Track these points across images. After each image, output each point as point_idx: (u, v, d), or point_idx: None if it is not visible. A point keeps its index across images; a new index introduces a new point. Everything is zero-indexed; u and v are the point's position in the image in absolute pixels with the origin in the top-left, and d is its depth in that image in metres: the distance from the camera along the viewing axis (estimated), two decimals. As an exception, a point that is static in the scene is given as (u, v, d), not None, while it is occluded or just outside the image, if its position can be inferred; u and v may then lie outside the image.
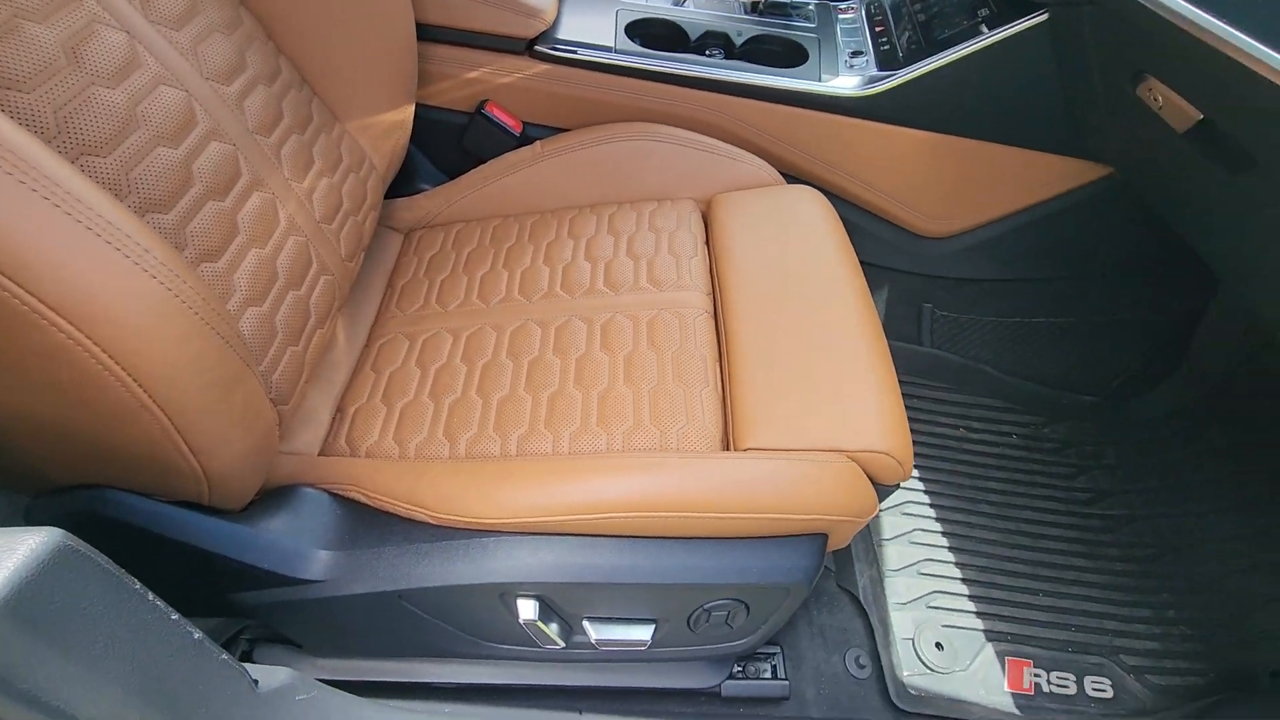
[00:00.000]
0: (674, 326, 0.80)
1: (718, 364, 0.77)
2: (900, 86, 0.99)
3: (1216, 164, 0.72)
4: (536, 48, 1.01)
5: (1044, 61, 0.94)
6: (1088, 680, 0.89)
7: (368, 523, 0.65)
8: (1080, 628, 0.94)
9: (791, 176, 1.05)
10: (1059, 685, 0.88)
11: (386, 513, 0.65)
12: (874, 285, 1.18)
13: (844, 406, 0.68)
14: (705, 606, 0.65)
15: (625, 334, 0.80)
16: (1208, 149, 0.72)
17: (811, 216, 0.90)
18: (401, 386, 0.79)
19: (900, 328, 1.21)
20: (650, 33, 1.10)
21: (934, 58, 0.98)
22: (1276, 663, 0.90)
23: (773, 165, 1.00)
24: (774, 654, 0.85)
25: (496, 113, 1.04)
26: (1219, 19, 0.59)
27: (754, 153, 1.01)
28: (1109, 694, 0.89)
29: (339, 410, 0.79)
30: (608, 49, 1.03)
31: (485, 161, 1.04)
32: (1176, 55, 0.70)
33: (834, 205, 0.95)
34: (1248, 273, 0.78)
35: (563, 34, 1.04)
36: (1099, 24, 0.82)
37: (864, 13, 1.16)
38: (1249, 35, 0.57)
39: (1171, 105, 0.74)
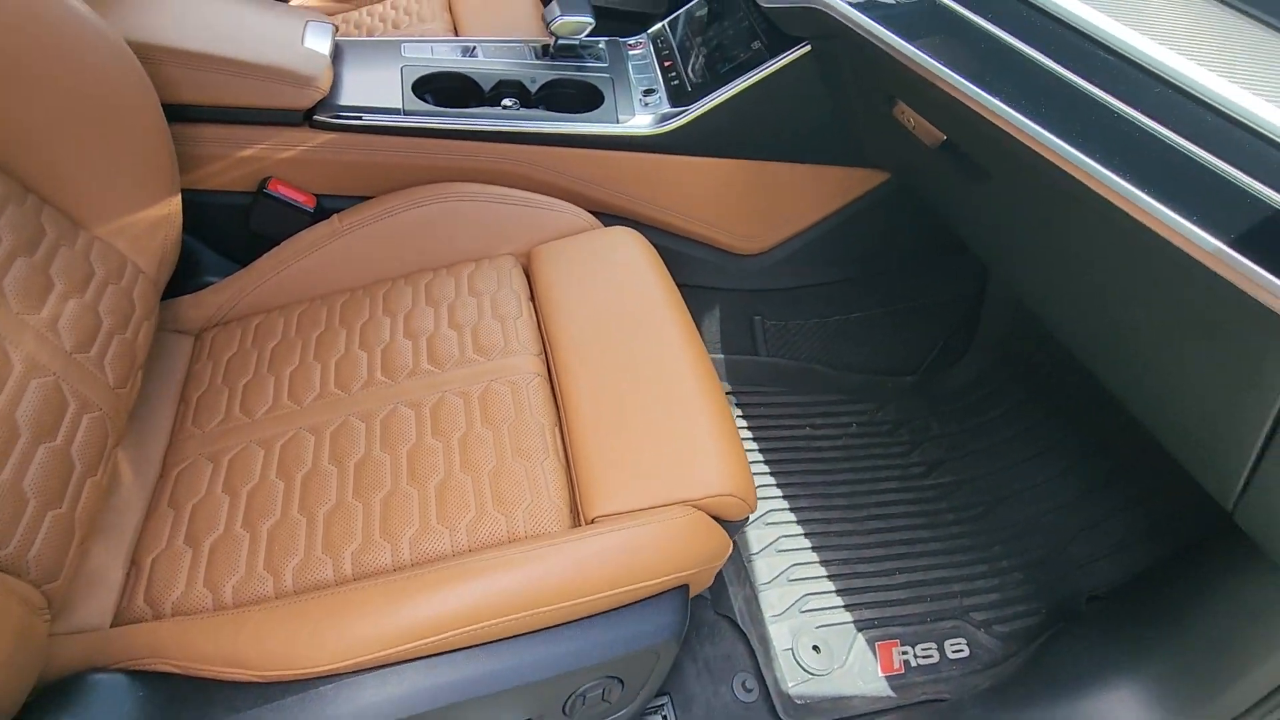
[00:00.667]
0: (507, 397, 0.77)
1: (557, 429, 0.75)
2: (693, 121, 1.03)
3: (962, 175, 0.81)
4: (316, 117, 0.95)
5: (816, 87, 1.01)
6: (947, 645, 0.97)
7: (181, 699, 0.57)
8: (934, 596, 1.02)
9: (609, 216, 1.06)
10: (924, 657, 0.96)
11: (205, 679, 0.57)
12: (706, 306, 1.22)
13: (683, 456, 0.69)
14: (578, 692, 0.63)
15: (457, 414, 0.76)
16: (954, 163, 0.81)
17: (630, 257, 0.91)
18: (208, 520, 0.70)
19: (737, 342, 1.26)
20: (440, 87, 1.07)
21: (720, 90, 1.02)
22: (1092, 588, 1.03)
23: (586, 209, 1.00)
24: (663, 705, 0.85)
25: (282, 190, 0.96)
26: (936, 60, 0.66)
27: (566, 198, 1.00)
28: (966, 653, 0.97)
29: (133, 564, 0.69)
30: (396, 111, 0.98)
31: (279, 243, 0.95)
32: (914, 87, 0.78)
33: (654, 238, 0.97)
34: (1001, 260, 0.89)
35: (344, 99, 0.98)
36: (851, 56, 0.89)
37: (651, 49, 1.20)
38: (961, 75, 0.64)
39: (921, 126, 0.83)
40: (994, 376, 1.28)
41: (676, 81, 1.10)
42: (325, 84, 0.94)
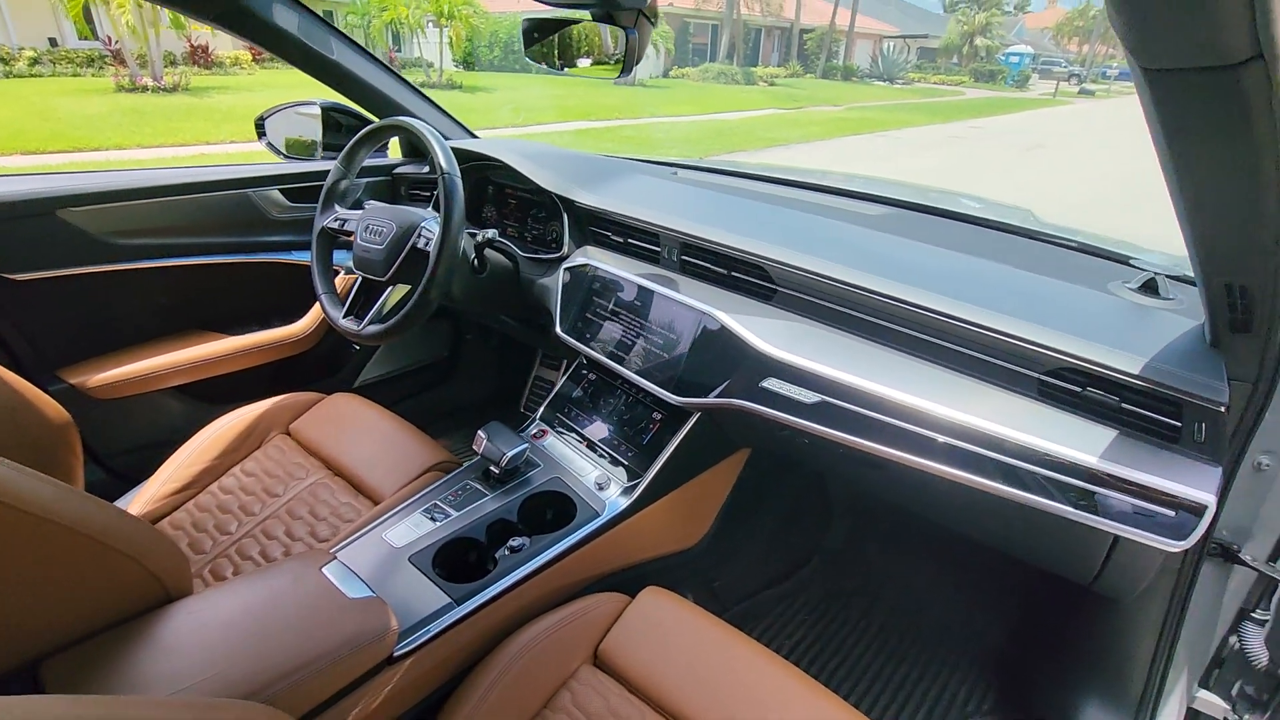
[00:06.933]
0: None
1: None
2: (647, 486, 1.34)
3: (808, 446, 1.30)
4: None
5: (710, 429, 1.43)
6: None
7: None
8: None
9: (594, 584, 1.31)
10: None
11: None
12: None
13: None
14: None
15: None
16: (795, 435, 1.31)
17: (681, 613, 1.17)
18: None
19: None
20: (447, 558, 1.19)
21: (656, 460, 1.35)
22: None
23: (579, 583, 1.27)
24: None
25: None
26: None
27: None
28: None
29: None
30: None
31: None
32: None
33: (623, 580, 1.28)
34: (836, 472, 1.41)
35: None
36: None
37: (557, 437, 1.49)
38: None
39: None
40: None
41: (608, 458, 1.41)
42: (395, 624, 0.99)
